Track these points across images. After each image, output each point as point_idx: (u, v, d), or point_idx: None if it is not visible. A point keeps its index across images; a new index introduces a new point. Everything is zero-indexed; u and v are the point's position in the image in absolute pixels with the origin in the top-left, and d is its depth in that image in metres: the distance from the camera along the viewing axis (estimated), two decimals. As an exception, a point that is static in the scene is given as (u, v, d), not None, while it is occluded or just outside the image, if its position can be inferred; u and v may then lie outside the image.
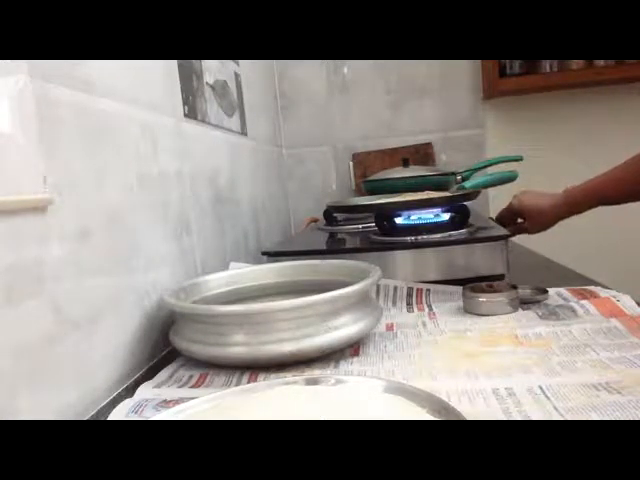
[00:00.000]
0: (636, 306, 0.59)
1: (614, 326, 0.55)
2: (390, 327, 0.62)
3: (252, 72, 1.23)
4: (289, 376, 0.48)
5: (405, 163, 1.25)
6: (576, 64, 1.43)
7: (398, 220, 0.84)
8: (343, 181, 1.58)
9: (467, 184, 1.15)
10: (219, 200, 0.88)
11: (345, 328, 0.52)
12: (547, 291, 0.67)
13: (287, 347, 0.50)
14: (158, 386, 0.50)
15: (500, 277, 0.74)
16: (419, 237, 0.78)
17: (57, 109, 0.45)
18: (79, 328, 0.46)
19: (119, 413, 0.44)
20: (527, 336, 0.54)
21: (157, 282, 0.62)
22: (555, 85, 1.47)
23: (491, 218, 1.10)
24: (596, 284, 0.70)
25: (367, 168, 1.52)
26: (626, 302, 0.61)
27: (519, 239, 1.10)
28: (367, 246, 0.82)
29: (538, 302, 0.65)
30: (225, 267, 0.76)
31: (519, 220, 1.09)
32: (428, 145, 1.53)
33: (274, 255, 0.79)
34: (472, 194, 0.86)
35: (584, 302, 0.62)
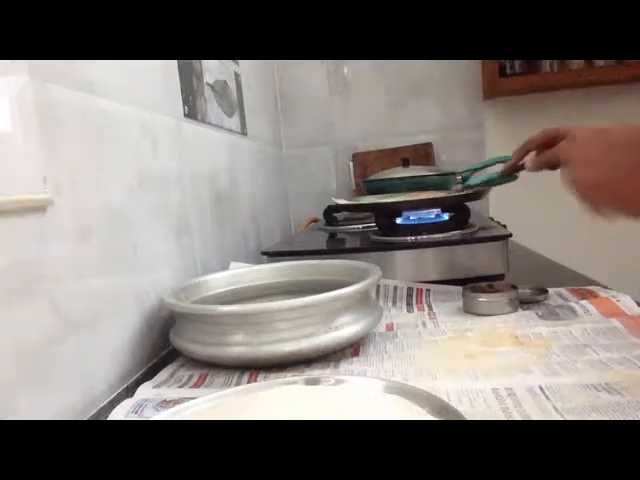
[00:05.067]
0: (636, 306, 0.59)
1: (614, 326, 0.54)
2: (390, 327, 0.62)
3: (252, 72, 1.23)
4: (289, 376, 0.48)
5: (405, 163, 1.24)
6: (576, 64, 1.43)
7: (398, 220, 0.84)
8: (343, 181, 1.58)
9: (470, 183, 1.15)
10: (219, 200, 0.88)
11: (345, 328, 0.52)
12: (547, 291, 0.67)
13: (287, 347, 0.50)
14: (158, 386, 0.50)
15: (500, 277, 0.74)
16: (419, 237, 0.78)
17: (57, 109, 0.45)
18: (79, 328, 0.46)
19: (119, 413, 0.44)
20: (527, 336, 0.54)
21: (157, 282, 0.62)
22: (555, 85, 1.47)
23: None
24: (596, 284, 0.70)
25: (367, 168, 1.52)
26: (626, 302, 0.61)
27: (518, 239, 1.10)
28: (367, 246, 0.82)
29: (538, 302, 0.65)
30: (225, 267, 0.76)
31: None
32: (428, 145, 1.53)
33: (274, 255, 0.79)
34: (479, 193, 0.86)
35: (584, 302, 0.62)
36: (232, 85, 1.04)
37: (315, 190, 1.60)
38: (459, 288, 0.68)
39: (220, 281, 0.67)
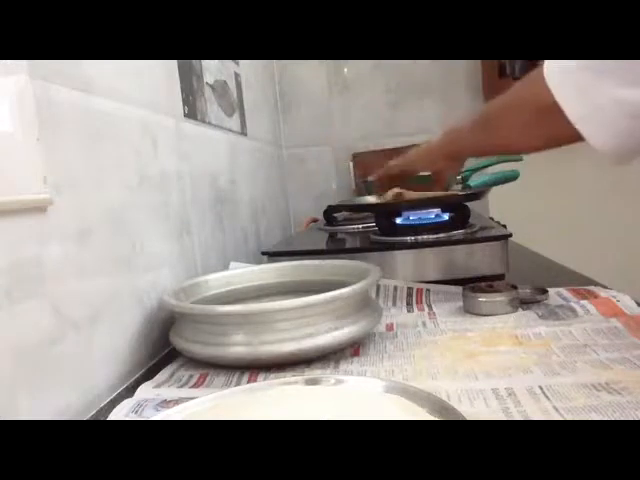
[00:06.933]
0: (636, 306, 0.59)
1: (614, 326, 0.54)
2: (390, 327, 0.62)
3: (252, 72, 1.23)
4: (289, 376, 0.48)
5: (405, 163, 1.24)
6: (576, 64, 1.43)
7: (398, 220, 0.84)
8: (343, 181, 1.58)
9: (470, 184, 1.15)
10: (219, 200, 0.88)
11: (345, 328, 0.52)
12: (547, 291, 0.67)
13: (287, 347, 0.50)
14: (158, 386, 0.50)
15: (500, 277, 0.74)
16: (419, 237, 0.78)
17: (57, 109, 0.45)
18: (79, 328, 0.46)
19: (119, 413, 0.44)
20: (527, 336, 0.54)
21: (157, 282, 0.62)
22: (555, 85, 1.47)
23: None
24: (596, 284, 0.70)
25: (367, 168, 1.52)
26: (626, 302, 0.61)
27: (518, 239, 1.10)
28: (367, 246, 0.82)
29: (538, 302, 0.65)
30: (225, 267, 0.76)
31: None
32: (428, 145, 1.52)
33: (274, 255, 0.79)
34: (479, 193, 0.86)
35: (584, 302, 0.62)
36: (232, 85, 1.04)
37: (315, 190, 1.60)
38: (459, 288, 0.68)
39: (220, 281, 0.67)
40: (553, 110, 0.47)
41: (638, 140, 0.46)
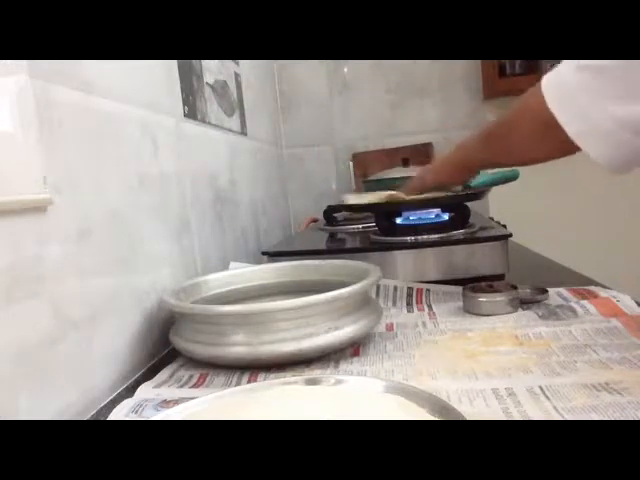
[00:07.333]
0: (636, 306, 0.59)
1: (614, 326, 0.54)
2: (390, 327, 0.62)
3: (252, 72, 1.23)
4: (289, 376, 0.48)
5: (405, 163, 1.24)
6: (576, 64, 1.43)
7: (398, 220, 0.84)
8: (343, 181, 1.58)
9: (470, 184, 1.14)
10: (219, 200, 0.88)
11: (345, 328, 0.52)
12: (547, 291, 0.67)
13: (287, 347, 0.50)
14: (158, 386, 0.50)
15: (500, 277, 0.74)
16: (419, 237, 0.78)
17: (57, 109, 0.45)
18: (79, 328, 0.46)
19: (119, 413, 0.44)
20: (527, 336, 0.54)
21: (157, 282, 0.62)
22: (555, 85, 1.47)
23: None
24: (596, 284, 0.70)
25: (367, 168, 1.52)
26: (626, 302, 0.61)
27: (518, 239, 1.10)
28: (367, 246, 0.82)
29: (538, 302, 0.65)
30: (225, 267, 0.76)
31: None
32: (428, 145, 1.53)
33: (274, 255, 0.79)
34: (479, 193, 0.86)
35: (584, 302, 0.62)
36: (232, 85, 1.04)
37: (315, 190, 1.60)
38: (459, 288, 0.68)
39: (220, 281, 0.67)
40: (553, 124, 0.48)
41: (636, 153, 0.46)
